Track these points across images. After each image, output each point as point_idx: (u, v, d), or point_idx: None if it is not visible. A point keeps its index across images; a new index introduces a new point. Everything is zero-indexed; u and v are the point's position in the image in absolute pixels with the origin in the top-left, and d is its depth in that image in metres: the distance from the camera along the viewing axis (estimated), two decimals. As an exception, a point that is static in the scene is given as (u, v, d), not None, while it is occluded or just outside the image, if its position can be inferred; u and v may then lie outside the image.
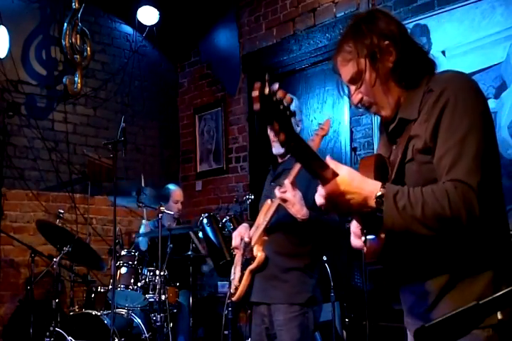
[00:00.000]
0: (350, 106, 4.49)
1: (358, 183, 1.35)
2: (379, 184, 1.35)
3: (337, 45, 1.57)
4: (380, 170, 1.48)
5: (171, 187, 4.89)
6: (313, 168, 1.35)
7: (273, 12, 5.27)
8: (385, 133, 1.60)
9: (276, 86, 1.20)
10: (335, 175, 1.35)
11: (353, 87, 1.56)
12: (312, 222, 2.46)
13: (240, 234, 2.77)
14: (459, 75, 1.46)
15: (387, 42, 1.49)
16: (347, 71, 1.54)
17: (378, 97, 1.52)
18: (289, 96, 1.24)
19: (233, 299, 2.75)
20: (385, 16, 1.56)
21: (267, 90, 1.18)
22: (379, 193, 1.33)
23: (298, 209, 2.38)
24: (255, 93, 1.18)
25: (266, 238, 2.61)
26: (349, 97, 1.60)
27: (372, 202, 1.34)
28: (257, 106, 1.18)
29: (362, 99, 1.54)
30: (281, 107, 1.21)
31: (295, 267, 2.63)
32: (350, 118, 4.47)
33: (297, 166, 2.38)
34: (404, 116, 1.49)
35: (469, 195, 1.30)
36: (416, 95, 1.48)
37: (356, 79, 1.52)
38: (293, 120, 1.24)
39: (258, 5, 5.41)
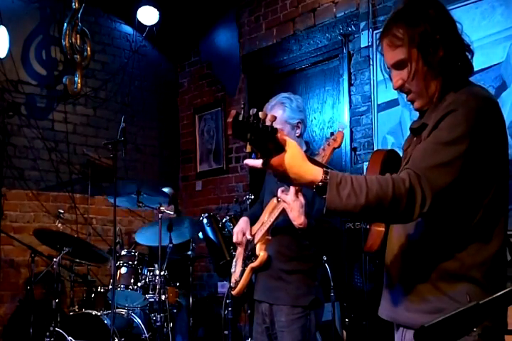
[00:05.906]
0: (350, 107, 4.49)
1: (297, 169, 1.36)
2: (320, 171, 1.36)
3: (386, 24, 1.52)
4: (388, 163, 1.55)
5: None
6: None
7: (273, 12, 5.27)
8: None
9: (254, 110, 1.27)
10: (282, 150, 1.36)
11: (395, 72, 1.54)
12: (311, 231, 2.40)
13: (242, 230, 2.74)
14: (478, 97, 1.45)
15: (438, 36, 1.46)
16: (393, 56, 1.52)
17: (419, 87, 1.51)
18: (271, 115, 1.30)
19: (233, 293, 2.76)
20: (438, 4, 1.52)
21: (241, 117, 1.26)
22: (321, 182, 1.35)
23: (295, 216, 2.31)
24: (229, 119, 1.26)
25: (269, 238, 2.60)
26: (390, 80, 1.58)
27: (315, 186, 1.37)
28: (230, 131, 1.27)
29: (403, 85, 1.53)
30: (260, 126, 1.28)
31: (299, 269, 2.61)
32: (350, 119, 4.47)
33: None
34: (426, 122, 1.50)
35: (416, 187, 1.33)
36: (442, 104, 1.48)
37: (401, 66, 1.51)
38: (288, 127, 1.28)
39: (258, 5, 5.41)
